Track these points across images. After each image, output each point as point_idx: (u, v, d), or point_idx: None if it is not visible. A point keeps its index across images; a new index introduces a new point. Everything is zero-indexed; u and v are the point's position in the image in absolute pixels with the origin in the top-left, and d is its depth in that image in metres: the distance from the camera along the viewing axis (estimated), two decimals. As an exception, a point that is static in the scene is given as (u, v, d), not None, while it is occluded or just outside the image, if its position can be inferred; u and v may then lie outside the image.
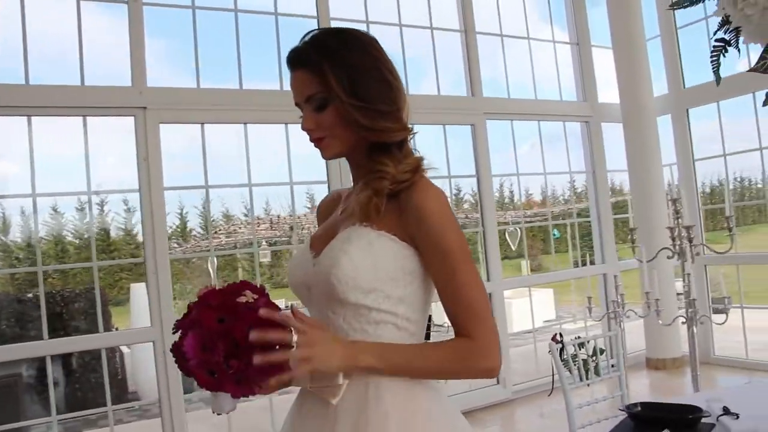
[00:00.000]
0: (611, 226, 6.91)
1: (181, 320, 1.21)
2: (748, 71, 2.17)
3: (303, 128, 1.42)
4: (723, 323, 4.34)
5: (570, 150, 6.87)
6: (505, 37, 6.44)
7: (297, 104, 1.44)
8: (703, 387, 4.51)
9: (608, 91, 7.09)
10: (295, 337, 1.17)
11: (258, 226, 13.52)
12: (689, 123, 6.77)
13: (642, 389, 6.08)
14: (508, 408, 5.77)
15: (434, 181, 1.39)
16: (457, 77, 6.13)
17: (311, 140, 1.43)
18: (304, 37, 1.43)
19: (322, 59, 1.36)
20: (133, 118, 4.37)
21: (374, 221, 1.35)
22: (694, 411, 2.32)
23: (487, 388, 5.80)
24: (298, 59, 1.41)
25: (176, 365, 1.21)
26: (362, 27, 5.53)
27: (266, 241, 14.76)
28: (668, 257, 4.72)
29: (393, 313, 1.35)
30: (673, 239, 4.74)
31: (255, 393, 1.19)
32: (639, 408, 2.46)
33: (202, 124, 4.65)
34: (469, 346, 1.31)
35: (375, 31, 5.55)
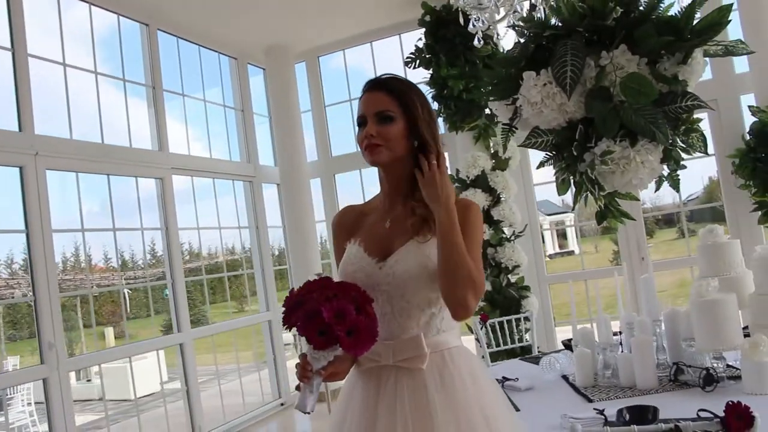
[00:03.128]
0: (272, 277, 7.58)
1: (309, 300, 1.57)
2: (518, 146, 3.15)
3: (364, 134, 1.76)
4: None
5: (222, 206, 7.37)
6: (186, 97, 6.76)
7: (361, 117, 1.78)
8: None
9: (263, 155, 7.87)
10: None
11: None
12: (336, 186, 7.97)
13: (299, 425, 6.81)
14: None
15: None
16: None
17: (367, 146, 1.76)
18: (383, 75, 1.83)
19: (407, 90, 1.79)
20: None
21: (427, 234, 1.75)
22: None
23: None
24: (383, 84, 1.79)
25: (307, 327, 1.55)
26: (59, 69, 5.26)
27: None
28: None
29: None
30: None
31: (366, 347, 1.59)
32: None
33: None
34: (481, 282, 1.68)
35: (72, 76, 5.34)
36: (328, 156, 7.99)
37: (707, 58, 2.78)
